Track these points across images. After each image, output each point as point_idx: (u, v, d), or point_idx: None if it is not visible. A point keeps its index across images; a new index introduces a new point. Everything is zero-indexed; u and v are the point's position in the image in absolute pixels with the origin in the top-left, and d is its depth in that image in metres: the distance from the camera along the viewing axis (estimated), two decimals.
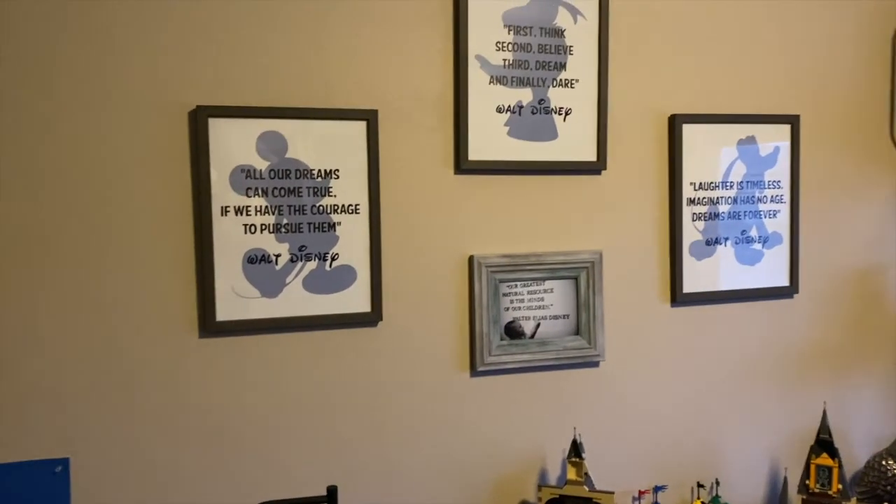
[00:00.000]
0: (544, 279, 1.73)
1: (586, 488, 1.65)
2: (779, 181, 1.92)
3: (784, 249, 1.93)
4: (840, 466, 1.79)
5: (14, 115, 1.37)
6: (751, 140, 1.88)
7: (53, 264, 1.41)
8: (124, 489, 1.47)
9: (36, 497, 1.41)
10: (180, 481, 1.50)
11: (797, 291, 1.95)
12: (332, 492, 1.32)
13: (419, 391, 1.66)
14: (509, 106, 1.67)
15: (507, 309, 1.71)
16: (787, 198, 1.92)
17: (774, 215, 1.92)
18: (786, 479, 1.86)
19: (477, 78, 1.64)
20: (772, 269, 1.93)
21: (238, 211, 1.49)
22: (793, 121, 1.91)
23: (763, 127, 1.89)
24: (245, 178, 1.49)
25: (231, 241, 1.49)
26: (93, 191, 1.42)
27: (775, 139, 1.91)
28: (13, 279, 1.39)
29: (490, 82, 1.65)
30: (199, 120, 1.45)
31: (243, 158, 1.49)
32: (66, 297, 1.42)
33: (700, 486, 1.87)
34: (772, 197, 1.91)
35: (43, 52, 1.38)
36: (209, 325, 1.48)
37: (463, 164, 1.64)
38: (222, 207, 1.48)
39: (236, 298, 1.50)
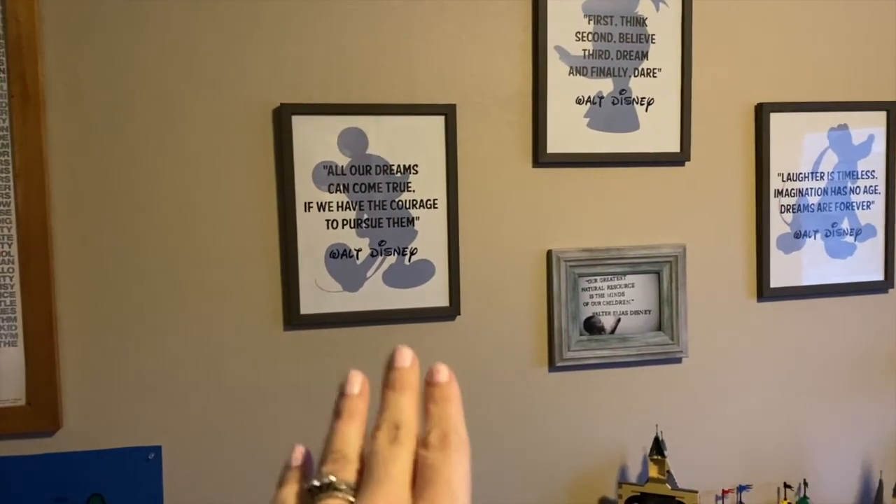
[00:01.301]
0: (625, 273, 1.69)
1: (668, 486, 1.62)
2: (873, 171, 1.83)
3: (878, 242, 1.84)
4: None
5: (103, 117, 1.43)
6: (843, 128, 1.80)
7: (145, 260, 1.46)
8: (213, 476, 1.52)
9: (131, 482, 1.48)
10: (262, 469, 1.54)
11: (892, 286, 1.86)
12: None
13: (497, 385, 1.66)
14: (589, 97, 1.64)
15: (587, 304, 1.68)
16: (881, 188, 1.83)
17: (868, 206, 1.83)
18: (881, 481, 1.78)
19: (556, 69, 1.61)
20: (865, 263, 1.84)
21: (321, 206, 1.52)
22: (889, 107, 1.81)
23: (856, 114, 1.80)
24: (327, 174, 1.52)
25: (314, 236, 1.52)
26: (182, 189, 1.47)
27: (869, 127, 1.82)
28: (110, 275, 1.45)
29: (570, 73, 1.62)
30: (283, 117, 1.48)
31: (325, 155, 1.51)
32: (158, 292, 1.47)
33: (787, 486, 1.80)
34: (865, 188, 1.83)
35: (129, 54, 1.43)
36: (293, 318, 1.51)
37: (541, 157, 1.62)
38: (305, 203, 1.51)
39: (319, 292, 1.53)
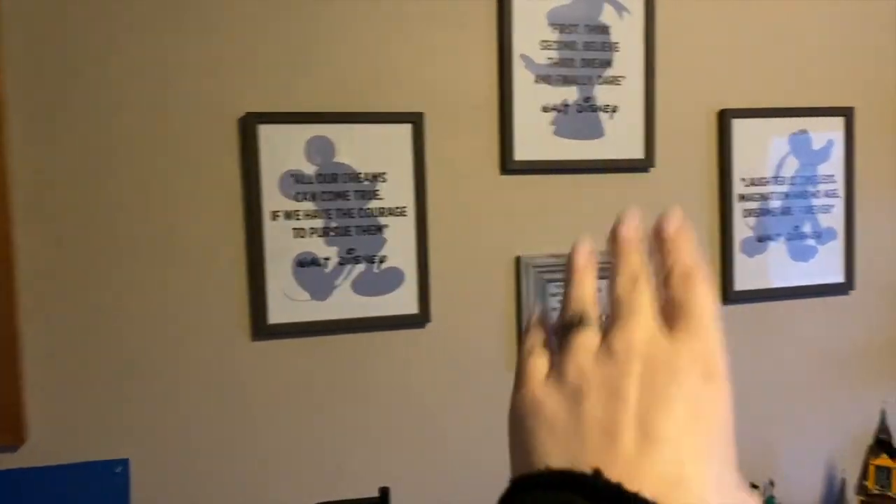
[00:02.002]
0: None
1: None
2: (832, 175, 1.87)
3: (839, 245, 1.89)
4: None
5: (66, 127, 1.41)
6: (803, 133, 1.84)
7: (110, 272, 1.45)
8: (181, 489, 1.50)
9: (97, 497, 1.46)
10: (234, 481, 1.53)
11: (853, 288, 1.90)
12: (384, 493, 1.33)
13: (468, 391, 1.66)
14: (555, 105, 1.65)
15: (555, 309, 1.69)
16: (841, 192, 1.88)
17: (828, 210, 1.87)
18: (843, 480, 1.81)
19: (522, 78, 1.63)
20: (826, 266, 1.88)
21: (288, 215, 1.52)
22: (846, 113, 1.86)
23: (815, 120, 1.84)
24: (294, 182, 1.51)
25: (281, 245, 1.51)
26: (147, 200, 1.46)
27: (828, 132, 1.86)
28: (74, 288, 1.43)
29: (535, 81, 1.64)
30: (248, 126, 1.48)
31: (292, 163, 1.51)
32: (124, 304, 1.45)
33: (754, 486, 1.83)
34: (825, 192, 1.87)
35: (94, 64, 1.42)
36: (261, 328, 1.51)
37: (509, 165, 1.63)
38: (272, 212, 1.51)
39: (287, 301, 1.52)
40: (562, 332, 0.38)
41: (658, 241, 0.41)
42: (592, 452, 0.32)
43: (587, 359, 0.36)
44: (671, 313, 0.37)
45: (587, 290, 0.41)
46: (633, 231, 0.42)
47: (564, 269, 0.43)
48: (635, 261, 0.40)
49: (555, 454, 0.33)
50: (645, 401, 0.33)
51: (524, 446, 0.35)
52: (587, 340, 0.37)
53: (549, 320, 0.42)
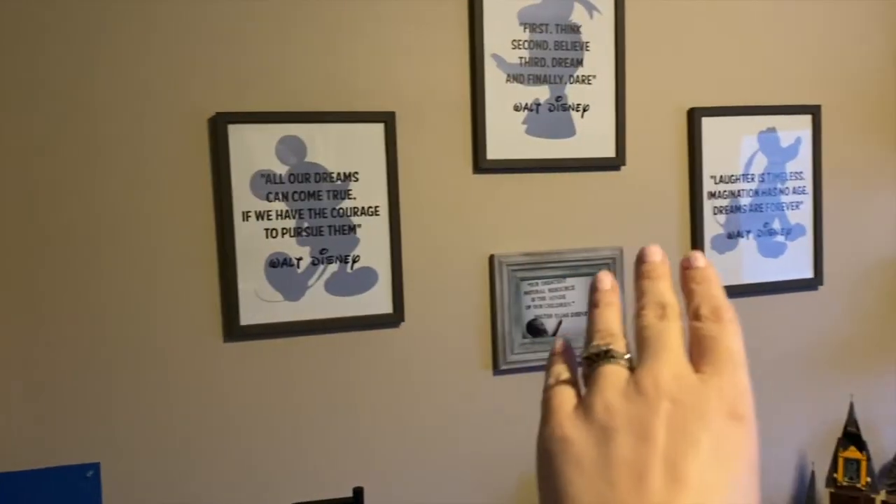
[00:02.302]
0: (565, 276, 1.72)
1: None
2: (801, 172, 1.90)
3: (807, 241, 1.91)
4: (868, 459, 1.78)
5: (38, 123, 1.39)
6: (771, 131, 1.86)
7: (78, 271, 1.43)
8: (153, 492, 1.49)
9: (68, 502, 1.44)
10: (207, 484, 1.52)
11: (822, 283, 1.93)
12: (358, 493, 1.33)
13: (442, 390, 1.67)
14: (527, 104, 1.66)
15: (529, 307, 1.70)
16: (809, 189, 1.90)
17: (797, 207, 1.90)
18: (813, 472, 1.84)
19: (494, 77, 1.63)
20: (795, 261, 1.91)
21: (259, 216, 1.51)
22: (814, 111, 1.89)
23: (784, 118, 1.87)
24: (265, 182, 1.51)
25: (253, 245, 1.51)
26: (115, 201, 1.44)
27: (796, 130, 1.89)
28: (39, 286, 1.41)
29: (507, 81, 1.65)
30: (218, 127, 1.47)
31: (263, 163, 1.50)
32: (91, 305, 1.44)
33: None
34: (794, 188, 1.89)
35: (58, 62, 1.40)
36: (233, 330, 1.50)
37: (482, 164, 1.64)
38: (244, 213, 1.50)
39: (260, 302, 1.52)
40: (588, 364, 0.38)
41: (686, 276, 0.41)
42: (621, 495, 0.32)
43: (615, 395, 0.35)
44: (698, 349, 0.37)
45: (613, 319, 0.41)
46: (662, 256, 0.42)
47: (588, 295, 0.43)
48: (664, 287, 0.40)
49: (585, 497, 0.33)
50: (673, 442, 0.33)
51: (553, 486, 0.35)
52: (615, 375, 0.36)
53: (572, 350, 0.42)
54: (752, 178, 1.85)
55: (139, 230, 1.46)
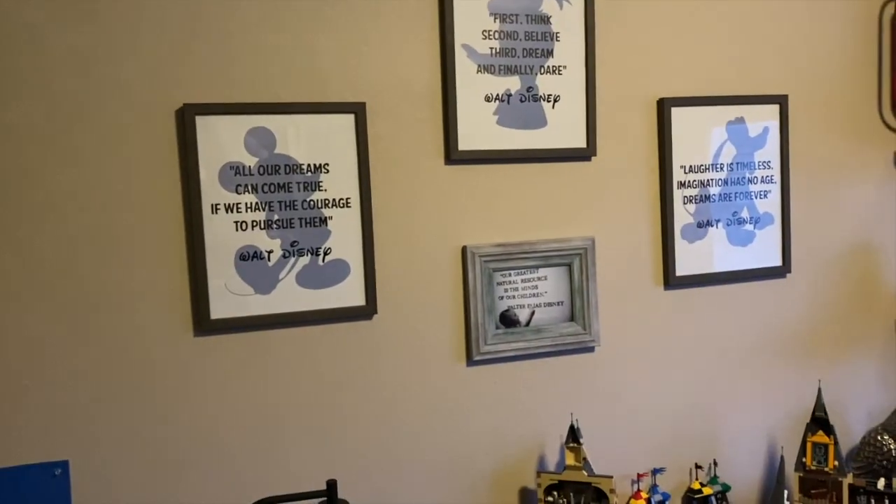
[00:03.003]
0: (538, 267, 1.73)
1: (585, 473, 1.66)
2: (769, 161, 1.92)
3: (776, 230, 1.94)
4: (836, 443, 1.81)
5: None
6: (740, 121, 1.88)
7: (43, 266, 1.40)
8: (124, 489, 1.47)
9: (37, 500, 1.42)
10: (179, 480, 1.51)
11: (790, 271, 1.96)
12: (332, 486, 1.32)
13: (416, 382, 1.66)
14: (497, 94, 1.66)
15: (502, 298, 1.71)
16: (777, 178, 1.93)
17: (765, 196, 1.92)
18: (782, 457, 1.87)
19: (464, 67, 1.63)
20: (764, 250, 1.93)
21: (228, 208, 1.49)
22: (781, 100, 1.91)
23: (751, 108, 1.89)
24: (234, 174, 1.49)
25: (222, 238, 1.49)
26: (81, 194, 1.42)
27: (764, 120, 1.91)
28: (4, 283, 1.38)
29: (478, 71, 1.64)
30: (186, 118, 1.45)
31: (232, 155, 1.49)
32: (59, 300, 1.41)
33: (698, 467, 1.88)
34: (762, 178, 1.92)
35: (23, 53, 1.37)
36: (204, 324, 1.48)
37: (453, 155, 1.64)
38: (213, 205, 1.48)
39: (230, 296, 1.50)
40: None
41: None
42: None
43: None
44: None
45: None
46: None
47: None
48: None
49: None
50: None
51: None
52: None
53: None
54: (722, 168, 1.87)
55: (106, 223, 1.43)
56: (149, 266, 1.46)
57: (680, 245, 1.84)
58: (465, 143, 1.64)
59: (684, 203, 1.84)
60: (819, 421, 1.83)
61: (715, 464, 1.89)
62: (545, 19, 1.68)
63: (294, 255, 1.54)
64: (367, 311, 1.60)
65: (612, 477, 1.66)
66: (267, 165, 1.51)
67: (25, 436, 1.41)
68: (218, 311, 1.49)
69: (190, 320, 1.49)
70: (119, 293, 1.45)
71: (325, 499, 1.30)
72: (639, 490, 1.77)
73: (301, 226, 1.54)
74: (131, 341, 1.46)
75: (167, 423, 1.49)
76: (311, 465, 1.59)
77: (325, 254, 1.57)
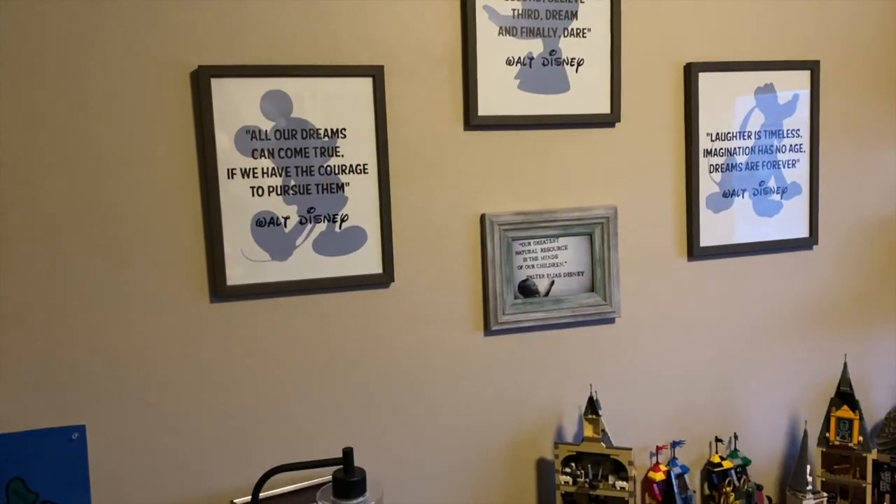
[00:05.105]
0: (558, 236, 1.69)
1: (603, 445, 1.64)
2: (798, 130, 1.86)
3: (803, 200, 1.89)
4: (861, 419, 1.77)
5: (7, 83, 1.34)
6: (769, 88, 1.82)
7: (61, 234, 1.39)
8: (140, 454, 1.47)
9: (54, 464, 1.42)
10: (195, 446, 1.51)
11: (817, 243, 1.91)
12: (348, 453, 1.31)
13: (433, 351, 1.65)
14: (519, 58, 1.61)
15: (521, 267, 1.68)
16: (806, 147, 1.87)
17: (793, 165, 1.87)
18: (806, 431, 1.84)
19: (485, 29, 1.58)
20: (791, 221, 1.88)
21: (245, 173, 1.47)
22: (812, 66, 1.85)
23: (781, 74, 1.83)
24: (251, 139, 1.46)
25: (239, 204, 1.47)
26: (96, 159, 1.40)
27: (794, 87, 1.85)
28: (23, 250, 1.37)
29: (499, 33, 1.60)
30: (201, 80, 1.42)
31: (248, 119, 1.46)
32: (76, 265, 1.40)
33: (718, 440, 1.85)
34: (790, 146, 1.86)
35: (36, 15, 1.35)
36: (220, 290, 1.47)
37: (472, 120, 1.60)
38: (229, 170, 1.46)
39: (246, 262, 1.48)
40: None
41: None
42: None
43: None
44: None
45: None
46: None
47: None
48: None
49: None
50: None
51: None
52: None
53: None
54: (749, 136, 1.82)
55: (122, 188, 1.42)
56: (165, 232, 1.45)
57: (705, 215, 1.80)
58: (485, 108, 1.60)
59: (710, 172, 1.79)
60: (844, 395, 1.79)
61: (735, 437, 1.86)
62: None
63: (311, 222, 1.52)
64: (383, 279, 1.58)
65: (630, 449, 1.64)
66: (284, 130, 1.48)
67: (43, 400, 1.41)
68: (234, 277, 1.48)
69: (206, 287, 1.48)
70: (135, 259, 1.43)
71: (341, 466, 1.29)
72: (658, 463, 1.75)
73: (318, 192, 1.52)
74: (149, 307, 1.45)
75: (184, 388, 1.48)
76: (327, 433, 1.58)
77: (342, 220, 1.54)
